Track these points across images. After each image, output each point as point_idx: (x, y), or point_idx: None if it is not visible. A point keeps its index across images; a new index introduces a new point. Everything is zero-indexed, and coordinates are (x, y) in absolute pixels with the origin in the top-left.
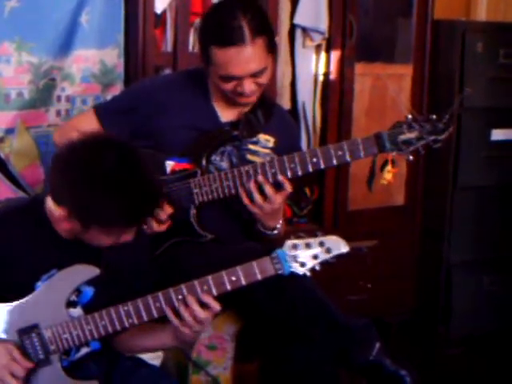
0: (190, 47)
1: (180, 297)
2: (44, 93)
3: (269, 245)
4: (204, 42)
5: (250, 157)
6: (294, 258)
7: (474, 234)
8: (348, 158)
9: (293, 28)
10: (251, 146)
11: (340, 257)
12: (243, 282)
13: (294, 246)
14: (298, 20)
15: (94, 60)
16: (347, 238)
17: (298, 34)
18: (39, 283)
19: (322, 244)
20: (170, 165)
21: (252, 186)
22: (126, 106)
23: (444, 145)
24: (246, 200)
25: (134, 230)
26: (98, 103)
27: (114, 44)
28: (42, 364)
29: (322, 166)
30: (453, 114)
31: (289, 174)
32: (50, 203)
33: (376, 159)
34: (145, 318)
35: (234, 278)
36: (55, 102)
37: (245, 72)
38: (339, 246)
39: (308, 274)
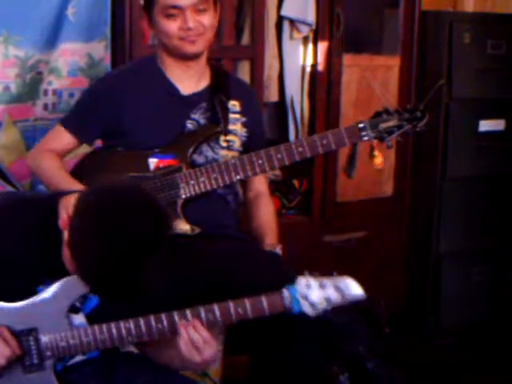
0: None
1: (183, 321)
2: (31, 86)
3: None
4: None
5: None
6: (306, 297)
7: (463, 224)
8: (333, 146)
9: (280, 20)
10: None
11: (354, 302)
12: (250, 316)
13: (308, 286)
14: (285, 12)
15: (81, 53)
16: (336, 230)
17: (286, 25)
18: (41, 286)
19: (336, 288)
20: (153, 162)
21: None
22: (91, 110)
23: (432, 135)
24: None
25: None
26: (63, 118)
27: (101, 37)
28: (33, 367)
29: (309, 155)
30: (427, 103)
31: (276, 164)
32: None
33: (356, 147)
34: (145, 337)
35: (240, 311)
36: (42, 96)
37: (186, 1)
38: (354, 290)
39: (319, 315)
